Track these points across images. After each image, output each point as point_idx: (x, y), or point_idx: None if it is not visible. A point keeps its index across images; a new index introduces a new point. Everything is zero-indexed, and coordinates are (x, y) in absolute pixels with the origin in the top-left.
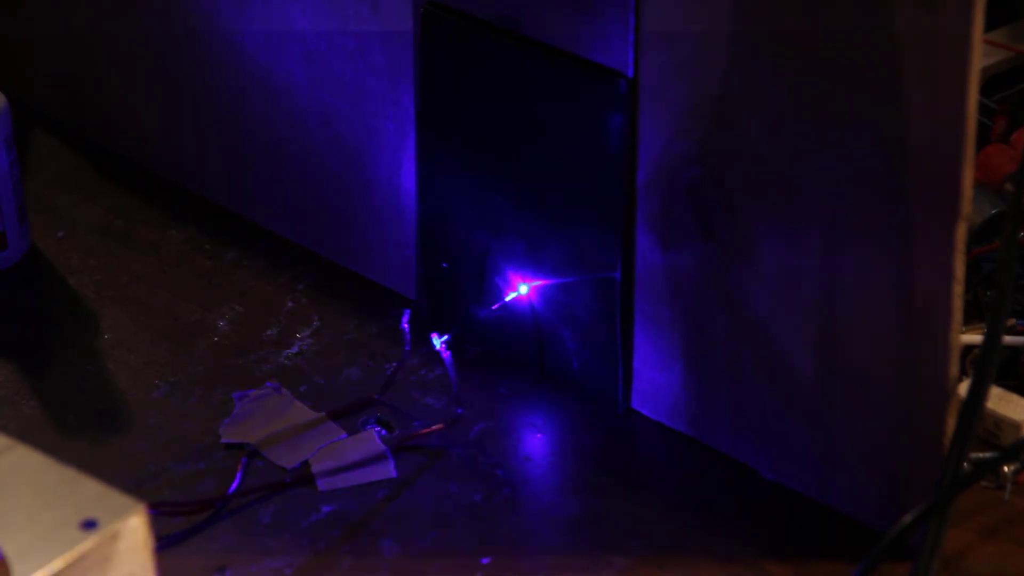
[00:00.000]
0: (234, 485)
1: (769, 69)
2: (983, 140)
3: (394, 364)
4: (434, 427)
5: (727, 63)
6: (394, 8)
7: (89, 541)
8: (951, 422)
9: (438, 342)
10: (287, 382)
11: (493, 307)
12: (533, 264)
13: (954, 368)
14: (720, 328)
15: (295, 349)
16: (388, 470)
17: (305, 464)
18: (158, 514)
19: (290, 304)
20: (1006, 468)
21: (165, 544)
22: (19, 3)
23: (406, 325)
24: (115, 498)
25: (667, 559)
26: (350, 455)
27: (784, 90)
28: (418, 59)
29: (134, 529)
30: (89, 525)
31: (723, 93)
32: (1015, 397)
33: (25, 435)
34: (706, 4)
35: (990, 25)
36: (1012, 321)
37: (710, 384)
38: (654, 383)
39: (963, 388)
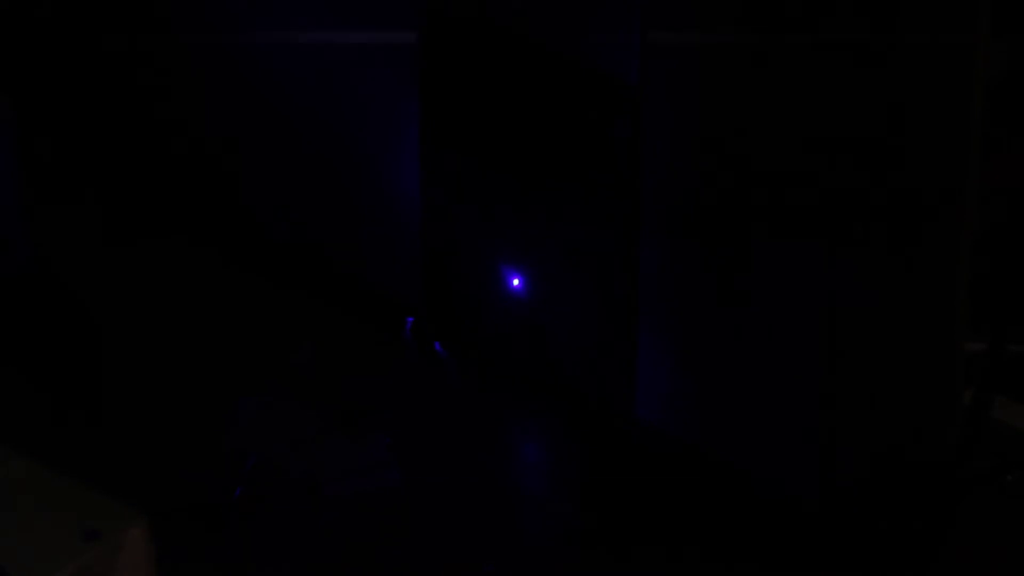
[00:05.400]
0: (238, 491)
1: (773, 77)
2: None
3: (398, 372)
4: (437, 434)
5: (732, 72)
6: (400, 15)
7: (92, 552)
8: (955, 430)
9: (441, 349)
10: (292, 388)
11: (495, 309)
12: (538, 270)
13: (958, 376)
14: (723, 335)
15: (300, 355)
16: (392, 477)
17: (309, 470)
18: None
19: (296, 311)
20: (1009, 477)
21: (168, 552)
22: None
23: (410, 332)
24: (117, 508)
25: (670, 563)
26: (355, 461)
27: (789, 98)
28: (422, 66)
29: (136, 539)
30: (92, 536)
31: (728, 101)
32: (1020, 406)
33: (28, 444)
34: (711, 15)
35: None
36: None
37: (712, 390)
38: (658, 390)
39: (968, 396)
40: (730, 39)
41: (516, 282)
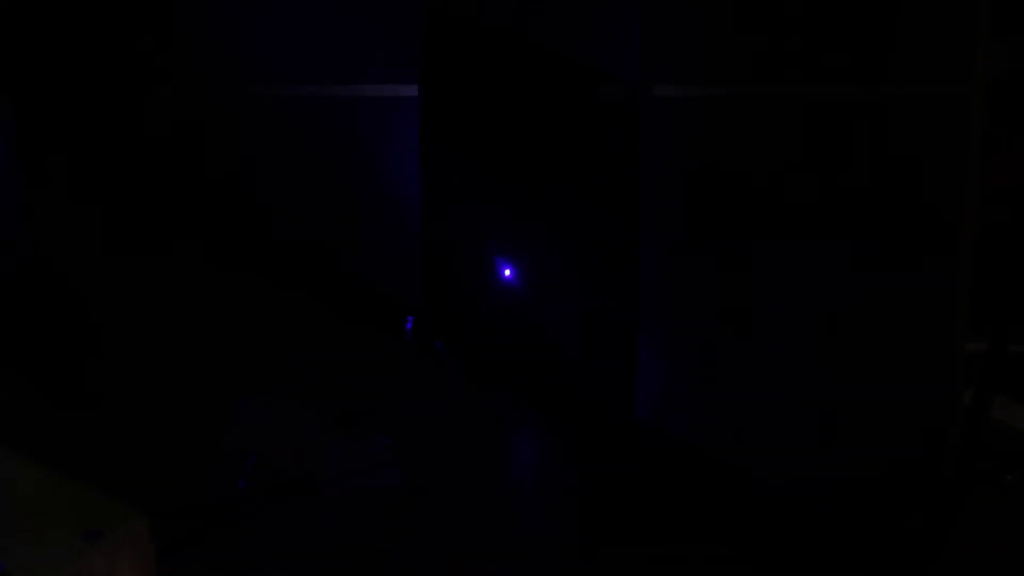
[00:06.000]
0: (238, 490)
1: (772, 82)
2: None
3: (398, 372)
4: (437, 434)
5: (732, 75)
6: (399, 17)
7: (92, 552)
8: (956, 430)
9: (441, 349)
10: (292, 388)
11: (495, 309)
12: (538, 270)
13: (958, 377)
14: (723, 336)
15: (301, 355)
16: (392, 477)
17: (310, 470)
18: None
19: (295, 310)
20: (1009, 477)
21: (167, 552)
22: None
23: (410, 332)
24: (117, 509)
25: (670, 563)
26: (355, 461)
27: (788, 102)
28: (422, 66)
29: (136, 539)
30: (92, 536)
31: (729, 103)
32: (1020, 406)
33: (28, 444)
34: (711, 15)
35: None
36: None
37: (712, 391)
38: (658, 390)
39: (968, 397)
40: (729, 42)
41: (508, 272)
